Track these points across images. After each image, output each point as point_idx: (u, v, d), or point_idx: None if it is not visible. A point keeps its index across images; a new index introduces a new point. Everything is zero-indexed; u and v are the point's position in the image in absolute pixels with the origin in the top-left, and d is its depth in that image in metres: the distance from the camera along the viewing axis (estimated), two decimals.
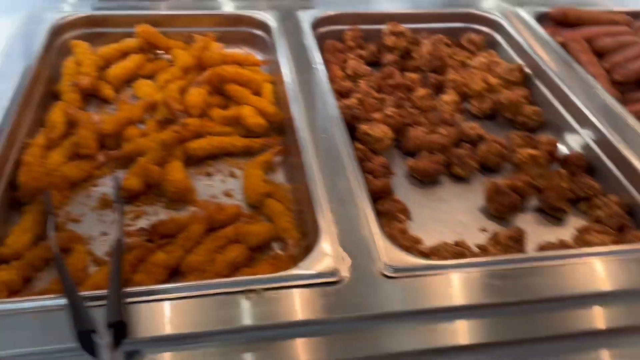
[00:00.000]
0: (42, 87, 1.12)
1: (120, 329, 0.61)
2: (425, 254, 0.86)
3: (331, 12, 1.38)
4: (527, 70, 1.30)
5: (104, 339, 0.59)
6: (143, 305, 0.69)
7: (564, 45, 1.36)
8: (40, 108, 1.08)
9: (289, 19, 1.35)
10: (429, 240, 0.92)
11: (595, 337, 0.75)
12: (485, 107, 1.24)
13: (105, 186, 0.98)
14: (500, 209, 0.99)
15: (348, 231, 0.83)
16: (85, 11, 1.29)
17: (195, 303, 0.70)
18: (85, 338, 0.60)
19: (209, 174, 1.04)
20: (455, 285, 0.77)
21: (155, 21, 1.29)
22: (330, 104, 1.08)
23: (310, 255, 0.78)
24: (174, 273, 0.83)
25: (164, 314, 0.69)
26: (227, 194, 1.00)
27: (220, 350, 0.67)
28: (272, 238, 0.90)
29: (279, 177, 1.05)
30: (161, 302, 0.70)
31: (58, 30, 1.24)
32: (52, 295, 0.71)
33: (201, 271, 0.81)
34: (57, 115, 1.05)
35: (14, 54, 1.14)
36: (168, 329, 0.67)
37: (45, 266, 0.83)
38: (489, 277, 0.78)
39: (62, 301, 0.68)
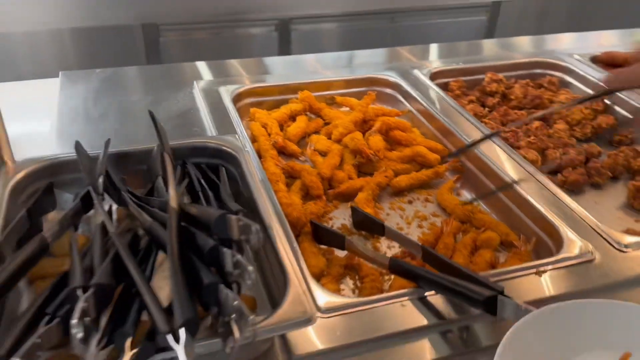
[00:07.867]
0: None
1: None
2: None
3: (441, 68, 1.67)
4: (607, 101, 1.63)
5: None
6: None
7: None
8: None
9: (408, 77, 1.62)
10: None
11: None
12: (586, 131, 1.54)
13: (337, 219, 1.19)
14: None
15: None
16: (252, 84, 1.53)
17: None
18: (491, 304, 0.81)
19: (410, 201, 1.26)
20: None
21: (301, 88, 1.52)
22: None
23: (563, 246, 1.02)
24: None
25: None
26: (434, 215, 1.22)
27: None
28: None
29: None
30: None
31: (236, 98, 1.46)
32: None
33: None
34: (273, 168, 1.25)
35: (217, 116, 1.37)
36: None
37: None
38: None
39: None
